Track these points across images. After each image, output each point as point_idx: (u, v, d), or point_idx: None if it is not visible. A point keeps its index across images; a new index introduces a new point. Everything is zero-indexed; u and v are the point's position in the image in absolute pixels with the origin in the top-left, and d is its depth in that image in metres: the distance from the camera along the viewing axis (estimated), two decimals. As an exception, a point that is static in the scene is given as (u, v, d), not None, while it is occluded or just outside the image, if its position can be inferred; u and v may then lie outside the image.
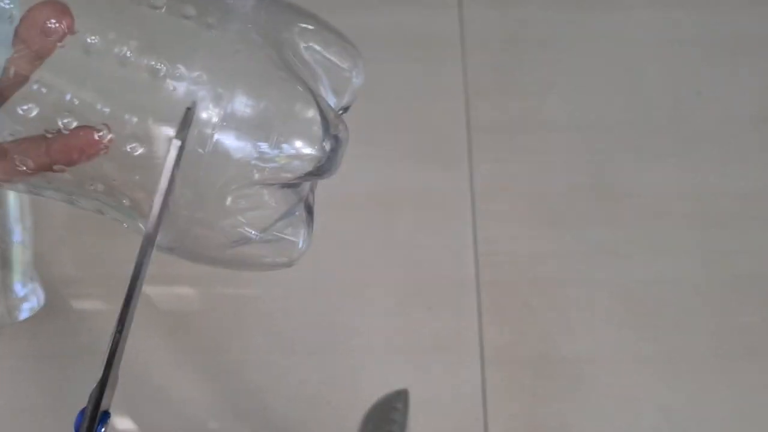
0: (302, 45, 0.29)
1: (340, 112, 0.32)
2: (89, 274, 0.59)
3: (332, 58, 0.31)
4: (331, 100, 0.30)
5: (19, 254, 0.55)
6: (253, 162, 0.27)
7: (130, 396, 0.56)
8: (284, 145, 0.27)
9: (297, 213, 0.31)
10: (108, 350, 0.22)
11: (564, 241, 0.61)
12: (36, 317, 0.56)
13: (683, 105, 0.66)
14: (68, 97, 0.25)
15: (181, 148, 0.24)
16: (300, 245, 0.31)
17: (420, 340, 0.58)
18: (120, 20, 0.26)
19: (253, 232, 0.28)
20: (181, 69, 0.26)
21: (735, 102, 0.67)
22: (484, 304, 0.59)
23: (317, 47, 0.30)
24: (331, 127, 0.28)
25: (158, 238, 0.26)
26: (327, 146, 0.28)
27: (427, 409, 0.56)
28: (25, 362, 0.57)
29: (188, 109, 0.24)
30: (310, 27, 0.31)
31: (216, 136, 0.26)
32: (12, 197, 0.58)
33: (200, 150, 0.25)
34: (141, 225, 0.28)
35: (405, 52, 0.68)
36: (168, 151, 0.24)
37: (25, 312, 0.56)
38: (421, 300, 0.59)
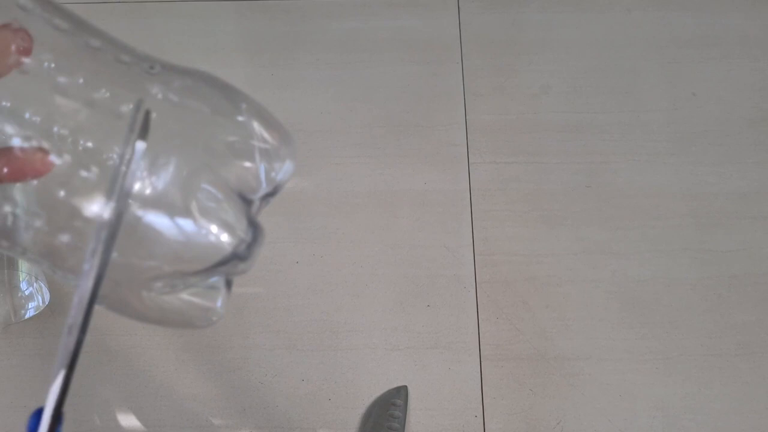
0: (232, 130, 0.29)
1: (269, 198, 0.32)
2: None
3: (266, 141, 0.31)
4: (264, 184, 0.30)
5: (25, 254, 0.56)
6: (169, 245, 0.26)
7: (134, 393, 0.56)
8: (203, 228, 0.27)
9: (216, 281, 0.30)
10: (71, 351, 0.22)
11: (561, 240, 0.62)
12: (41, 316, 0.57)
13: (680, 105, 0.67)
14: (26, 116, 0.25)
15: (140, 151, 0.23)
16: (218, 308, 0.31)
17: (419, 338, 0.58)
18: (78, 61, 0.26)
19: (168, 297, 0.28)
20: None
21: (731, 102, 0.67)
22: (482, 302, 0.59)
23: (252, 130, 0.30)
24: (252, 222, 0.28)
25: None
26: (246, 238, 0.28)
27: (427, 406, 0.56)
28: (31, 360, 0.57)
29: (148, 110, 0.24)
30: (244, 110, 0.31)
31: (137, 206, 0.26)
32: (19, 196, 0.59)
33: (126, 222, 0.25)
34: (67, 276, 0.28)
35: (405, 54, 0.69)
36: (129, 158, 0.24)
37: (30, 311, 0.56)
38: (421, 298, 0.59)
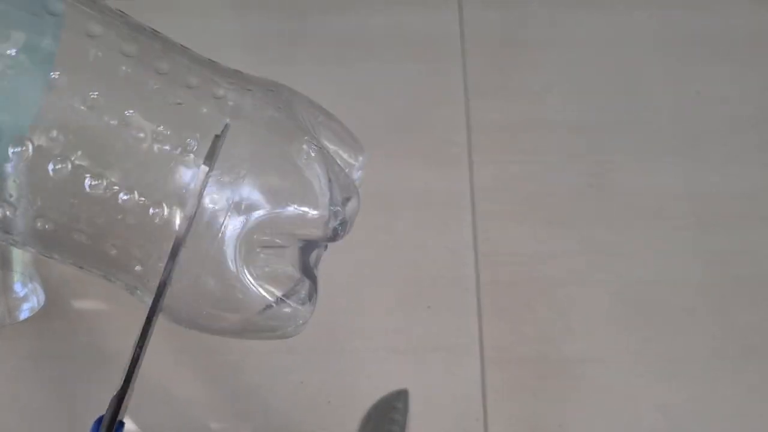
0: (322, 134, 0.30)
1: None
2: (89, 274, 0.59)
3: (339, 151, 0.31)
4: (339, 197, 0.31)
5: (20, 254, 0.55)
6: (258, 235, 0.27)
7: (131, 396, 0.56)
8: (293, 220, 0.27)
9: (302, 289, 0.31)
10: (128, 362, 0.23)
11: (564, 241, 0.61)
12: (36, 317, 0.56)
13: (683, 105, 0.66)
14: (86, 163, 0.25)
15: (208, 175, 0.24)
16: (306, 314, 0.32)
17: (420, 340, 0.58)
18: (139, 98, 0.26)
19: (269, 301, 0.28)
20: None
21: (735, 102, 0.67)
22: (484, 303, 0.59)
23: (329, 136, 0.31)
24: (335, 205, 0.29)
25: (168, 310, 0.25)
26: (331, 226, 0.29)
27: (427, 409, 0.56)
28: (26, 362, 0.57)
29: (216, 136, 0.24)
30: (323, 118, 0.32)
31: (225, 214, 0.26)
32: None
33: (205, 230, 0.25)
34: (146, 299, 0.28)
35: (405, 52, 0.68)
36: (197, 181, 0.24)
37: (25, 312, 0.56)
38: (421, 300, 0.59)
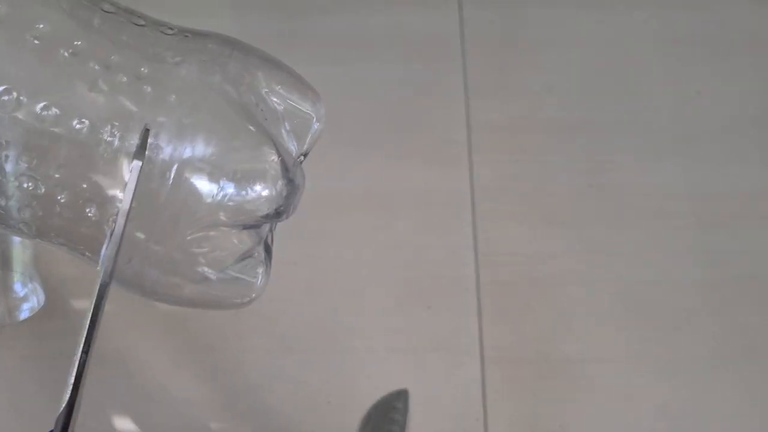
0: (264, 89, 0.29)
1: (301, 157, 0.32)
2: (89, 274, 0.59)
3: (294, 104, 0.30)
4: (292, 145, 0.30)
5: (19, 254, 0.55)
6: (210, 201, 0.26)
7: (129, 396, 0.56)
8: (243, 186, 0.27)
9: (255, 254, 0.30)
10: (74, 374, 0.23)
11: (564, 241, 0.61)
12: (36, 317, 0.56)
13: (683, 105, 0.66)
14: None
15: (141, 170, 0.24)
16: (257, 284, 0.31)
17: (420, 340, 0.58)
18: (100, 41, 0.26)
19: (211, 272, 0.28)
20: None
21: (735, 101, 0.66)
22: (484, 303, 0.59)
23: (280, 92, 0.30)
24: (289, 172, 0.28)
25: (116, 275, 0.25)
26: (284, 190, 0.28)
27: (427, 409, 0.56)
28: (26, 362, 0.57)
29: (146, 129, 0.24)
30: (274, 72, 0.31)
31: (174, 172, 0.26)
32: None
33: (159, 186, 0.25)
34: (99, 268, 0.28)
35: (405, 52, 0.68)
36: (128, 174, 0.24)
37: (25, 312, 0.56)
38: (421, 300, 0.59)
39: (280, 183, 0.28)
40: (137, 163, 0.24)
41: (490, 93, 0.66)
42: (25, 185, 0.25)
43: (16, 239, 0.55)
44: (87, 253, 0.28)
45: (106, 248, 0.24)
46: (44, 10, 0.25)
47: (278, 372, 0.56)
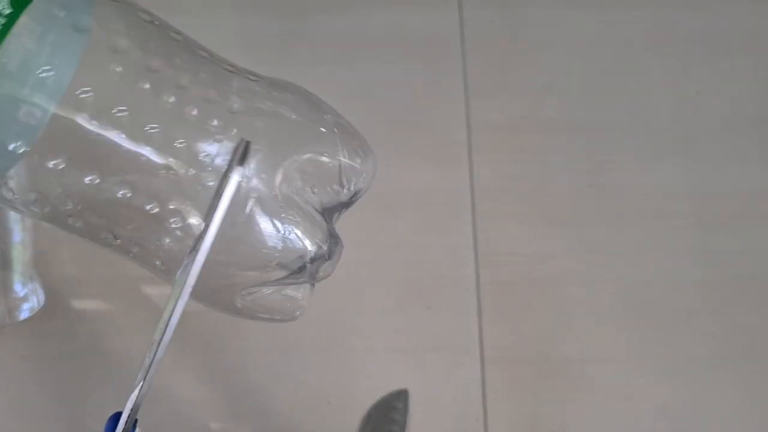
0: (328, 143, 0.30)
1: (345, 204, 0.32)
2: (89, 274, 0.59)
3: (353, 158, 0.31)
4: (338, 195, 0.31)
5: (19, 254, 0.55)
6: (270, 245, 0.26)
7: (129, 395, 0.56)
8: (294, 239, 0.27)
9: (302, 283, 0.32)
10: (149, 361, 0.23)
11: (564, 241, 0.61)
12: (36, 317, 0.56)
13: (683, 104, 0.66)
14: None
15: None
16: (301, 301, 0.32)
17: (420, 340, 0.58)
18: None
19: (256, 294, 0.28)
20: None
21: (735, 101, 0.66)
22: (484, 303, 0.59)
23: (342, 148, 0.31)
24: (333, 233, 0.29)
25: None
26: (324, 246, 0.29)
27: (427, 409, 0.56)
28: (25, 362, 0.57)
29: (247, 141, 0.24)
30: (338, 124, 0.31)
31: (251, 205, 0.26)
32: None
33: (239, 215, 0.25)
34: (168, 280, 0.28)
35: (405, 52, 0.68)
36: (223, 185, 0.24)
37: (25, 312, 0.56)
38: (421, 300, 0.59)
39: (322, 240, 0.29)
40: (235, 177, 0.23)
41: (490, 93, 0.66)
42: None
43: (17, 239, 0.55)
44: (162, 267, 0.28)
45: (185, 267, 0.24)
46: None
47: (278, 372, 0.56)
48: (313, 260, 0.29)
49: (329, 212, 0.32)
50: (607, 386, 0.57)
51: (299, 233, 0.28)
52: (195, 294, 0.27)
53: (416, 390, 0.56)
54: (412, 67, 0.67)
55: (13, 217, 0.55)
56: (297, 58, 0.68)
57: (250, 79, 0.30)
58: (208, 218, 0.23)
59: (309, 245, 0.28)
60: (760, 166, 0.64)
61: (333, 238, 0.30)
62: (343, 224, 0.64)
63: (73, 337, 0.57)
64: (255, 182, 0.26)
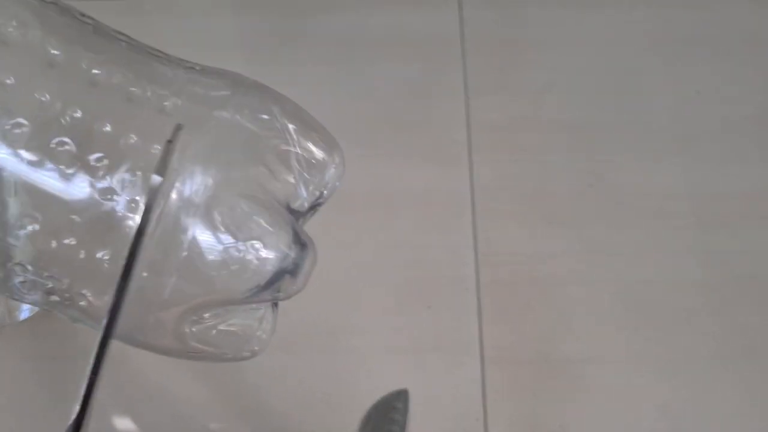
0: (277, 137, 0.26)
1: (315, 206, 0.28)
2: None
3: (311, 151, 0.27)
4: (304, 192, 0.27)
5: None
6: (212, 259, 0.23)
7: (129, 396, 0.56)
8: (248, 250, 0.24)
9: (261, 309, 0.27)
10: (83, 392, 0.20)
11: (564, 240, 0.61)
12: (36, 317, 0.56)
13: (683, 104, 0.66)
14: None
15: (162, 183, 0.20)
16: (263, 337, 0.27)
17: (420, 340, 0.58)
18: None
19: (206, 327, 0.24)
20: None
21: (735, 101, 0.66)
22: (484, 303, 0.59)
23: (296, 140, 0.27)
24: (299, 237, 0.25)
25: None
26: (292, 253, 0.25)
27: (427, 409, 0.56)
28: (25, 362, 0.57)
29: (168, 141, 0.21)
30: (289, 117, 0.27)
31: (188, 220, 0.23)
32: (12, 197, 0.58)
33: (163, 230, 0.22)
34: (93, 325, 0.25)
35: (404, 52, 0.68)
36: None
37: (25, 312, 0.56)
38: (421, 300, 0.59)
39: (286, 246, 0.25)
40: (156, 179, 0.20)
41: (490, 92, 0.66)
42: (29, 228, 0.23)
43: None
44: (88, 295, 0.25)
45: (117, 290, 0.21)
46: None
47: (278, 372, 0.56)
48: (276, 276, 0.26)
49: (294, 216, 0.28)
50: (607, 386, 0.56)
51: (256, 245, 0.24)
52: (127, 333, 0.25)
53: (416, 390, 0.56)
54: (412, 67, 0.67)
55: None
56: (297, 58, 0.68)
57: (184, 67, 0.27)
58: (133, 244, 0.21)
59: (269, 257, 0.24)
60: (760, 166, 0.64)
61: (299, 246, 0.26)
62: (342, 224, 0.64)
63: (73, 338, 0.57)
64: (196, 191, 0.23)
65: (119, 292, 0.21)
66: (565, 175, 0.63)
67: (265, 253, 0.25)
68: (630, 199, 0.62)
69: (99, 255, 0.23)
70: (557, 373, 0.57)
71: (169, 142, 0.21)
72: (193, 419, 0.55)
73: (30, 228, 0.22)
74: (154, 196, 0.20)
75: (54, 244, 0.22)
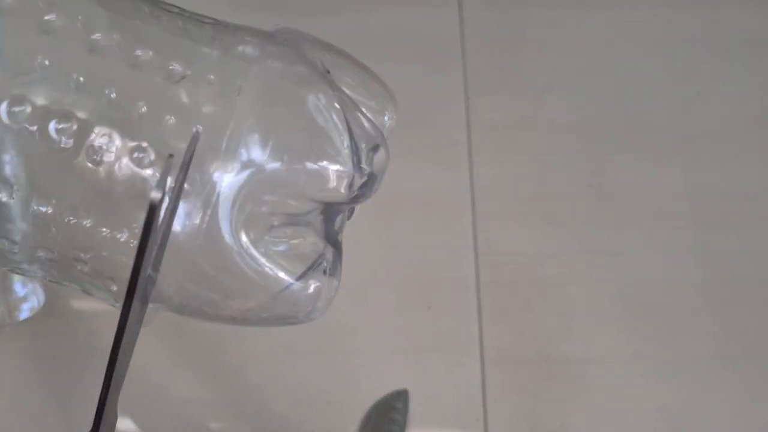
0: (335, 79, 0.26)
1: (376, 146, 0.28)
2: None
3: (364, 99, 0.27)
4: (368, 129, 0.26)
5: (19, 254, 0.55)
6: (285, 188, 0.23)
7: (130, 397, 0.56)
8: (312, 173, 0.23)
9: (324, 262, 0.27)
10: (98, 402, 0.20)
11: (564, 241, 0.61)
12: (36, 317, 0.56)
13: (683, 104, 0.66)
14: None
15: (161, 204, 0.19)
16: (330, 291, 0.27)
17: (420, 340, 0.58)
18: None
19: (286, 279, 0.24)
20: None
21: (735, 101, 0.66)
22: (484, 303, 0.59)
23: (352, 84, 0.27)
24: (361, 161, 0.25)
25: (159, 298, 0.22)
26: (357, 179, 0.24)
27: (427, 409, 0.56)
28: (25, 362, 0.57)
29: (170, 156, 0.20)
30: (343, 61, 0.27)
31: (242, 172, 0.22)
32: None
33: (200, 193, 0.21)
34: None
35: (404, 52, 0.68)
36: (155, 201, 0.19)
37: (25, 312, 0.56)
38: (421, 300, 0.59)
39: (351, 172, 0.25)
40: (155, 197, 0.18)
41: (490, 93, 0.66)
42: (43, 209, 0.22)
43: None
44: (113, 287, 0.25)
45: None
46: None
47: (278, 372, 0.56)
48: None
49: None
50: (607, 386, 0.56)
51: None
52: (184, 304, 0.24)
53: (416, 390, 0.56)
54: (412, 67, 0.67)
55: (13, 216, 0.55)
56: (297, 58, 0.68)
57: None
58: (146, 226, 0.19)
59: (332, 179, 0.24)
60: (761, 166, 0.64)
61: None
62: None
63: (73, 338, 0.57)
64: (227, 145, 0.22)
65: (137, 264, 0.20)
66: (565, 175, 0.63)
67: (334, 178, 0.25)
68: (630, 199, 0.62)
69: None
70: (557, 373, 0.57)
71: (171, 156, 0.20)
72: (193, 419, 0.55)
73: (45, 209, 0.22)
74: (153, 215, 0.19)
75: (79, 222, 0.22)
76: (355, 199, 0.27)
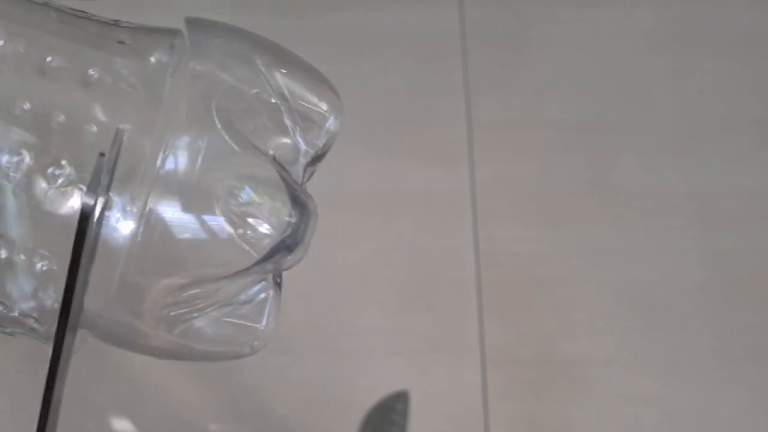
0: (265, 83, 0.24)
1: (312, 160, 0.26)
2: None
3: (305, 100, 0.25)
4: (302, 147, 0.25)
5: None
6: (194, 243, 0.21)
7: (128, 398, 0.56)
8: (237, 220, 0.21)
9: (262, 294, 0.24)
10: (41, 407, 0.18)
11: (565, 241, 0.61)
12: (35, 318, 0.56)
13: (685, 104, 0.66)
14: None
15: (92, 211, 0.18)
16: (263, 327, 0.24)
17: (420, 341, 0.57)
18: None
19: (200, 320, 0.22)
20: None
21: (737, 101, 0.66)
22: (485, 304, 0.59)
23: (285, 86, 0.24)
24: (298, 200, 0.22)
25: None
26: (293, 220, 0.22)
27: (428, 411, 0.56)
28: (26, 362, 0.57)
29: (101, 154, 0.18)
30: (277, 63, 0.25)
31: (150, 203, 0.20)
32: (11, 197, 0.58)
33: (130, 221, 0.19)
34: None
35: (405, 51, 0.68)
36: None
37: (24, 312, 0.56)
38: (422, 300, 0.59)
39: (288, 214, 0.23)
40: (87, 201, 0.17)
41: (490, 91, 0.66)
42: None
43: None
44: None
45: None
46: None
47: (278, 373, 0.56)
48: (274, 252, 0.22)
49: (288, 171, 0.25)
50: (609, 386, 0.56)
51: (247, 222, 0.22)
52: (105, 331, 0.22)
53: (416, 391, 0.56)
54: (413, 66, 0.67)
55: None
56: (297, 57, 0.68)
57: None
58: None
59: (265, 232, 0.21)
60: (762, 166, 0.64)
61: (300, 207, 0.22)
62: (342, 224, 0.64)
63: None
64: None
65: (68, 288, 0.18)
66: (566, 175, 0.63)
67: (262, 228, 0.22)
68: (632, 199, 0.62)
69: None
70: (558, 373, 0.57)
71: (102, 155, 0.18)
72: (193, 420, 0.55)
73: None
74: (85, 221, 0.17)
75: None
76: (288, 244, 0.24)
